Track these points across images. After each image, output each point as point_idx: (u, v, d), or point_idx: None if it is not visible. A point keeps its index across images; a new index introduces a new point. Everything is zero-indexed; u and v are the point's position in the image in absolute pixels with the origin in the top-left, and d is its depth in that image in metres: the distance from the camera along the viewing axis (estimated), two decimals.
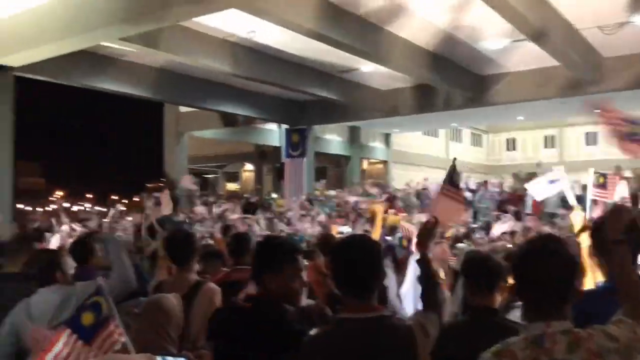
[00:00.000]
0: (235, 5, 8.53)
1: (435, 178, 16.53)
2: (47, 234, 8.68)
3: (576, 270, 1.72)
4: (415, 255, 4.53)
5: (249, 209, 14.10)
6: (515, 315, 2.44)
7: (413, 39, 11.46)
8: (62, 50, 10.29)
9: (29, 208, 24.40)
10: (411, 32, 11.12)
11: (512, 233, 8.07)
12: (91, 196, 36.63)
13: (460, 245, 5.78)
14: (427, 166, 24.45)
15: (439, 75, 12.94)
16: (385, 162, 25.22)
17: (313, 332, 2.22)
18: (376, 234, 4.66)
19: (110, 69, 13.21)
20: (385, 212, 6.57)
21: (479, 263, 2.67)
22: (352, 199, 14.74)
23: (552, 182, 7.03)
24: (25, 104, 14.45)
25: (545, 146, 30.02)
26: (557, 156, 28.03)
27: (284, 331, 2.27)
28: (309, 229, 10.19)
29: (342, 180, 22.21)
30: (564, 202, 9.73)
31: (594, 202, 6.42)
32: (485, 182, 15.17)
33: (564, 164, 15.73)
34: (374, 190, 15.93)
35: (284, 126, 19.43)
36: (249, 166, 28.34)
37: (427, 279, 2.49)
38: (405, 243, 5.15)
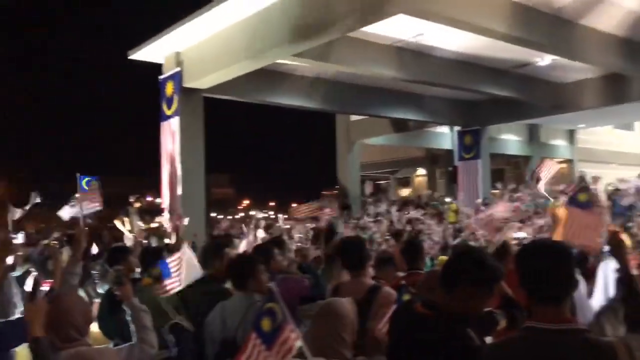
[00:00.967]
0: (404, 11, 8.51)
1: (631, 177, 14.76)
2: (236, 240, 9.39)
3: None
4: (609, 264, 4.08)
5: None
6: None
7: (603, 27, 10.59)
8: (242, 70, 11.20)
9: (221, 216, 26.83)
10: (601, 20, 10.30)
11: None
12: (273, 204, 39.11)
13: None
14: (620, 164, 22.02)
15: (632, 63, 11.64)
16: (569, 161, 23.28)
17: (494, 341, 2.07)
18: (557, 239, 4.25)
19: (284, 85, 13.98)
20: None
21: None
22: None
23: None
24: (213, 121, 15.90)
25: None
26: None
27: (465, 346, 2.15)
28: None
29: (522, 183, 20.94)
30: None
31: None
32: None
33: None
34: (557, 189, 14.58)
35: (456, 128, 18.92)
36: (421, 171, 28.10)
37: (632, 296, 2.19)
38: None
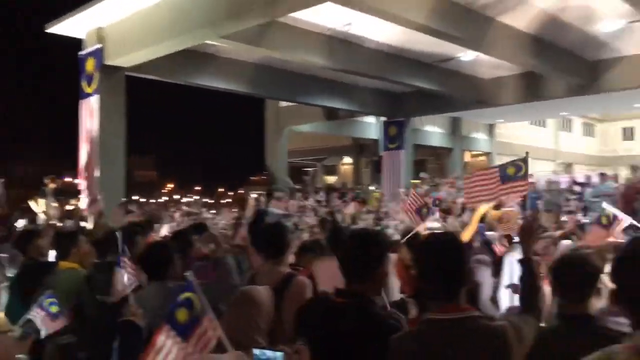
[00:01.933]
0: None
1: (542, 171, 15.63)
2: (156, 225, 9.17)
3: None
4: (514, 254, 4.31)
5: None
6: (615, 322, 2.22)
7: (519, 25, 10.99)
8: (168, 50, 10.87)
9: (143, 200, 26.05)
10: (516, 18, 10.67)
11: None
12: (199, 189, 38.42)
13: (565, 242, 5.39)
14: (533, 158, 23.24)
15: (546, 62, 12.27)
16: (488, 154, 24.34)
17: (399, 333, 2.15)
18: (472, 229, 4.45)
19: (212, 67, 13.68)
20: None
21: (571, 265, 2.38)
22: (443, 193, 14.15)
23: None
24: (136, 102, 15.37)
25: None
26: None
27: (382, 330, 2.21)
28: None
29: (444, 173, 21.71)
30: None
31: None
32: (603, 175, 14.04)
33: None
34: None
35: (382, 119, 19.29)
36: (347, 159, 28.48)
37: (529, 280, 2.33)
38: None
